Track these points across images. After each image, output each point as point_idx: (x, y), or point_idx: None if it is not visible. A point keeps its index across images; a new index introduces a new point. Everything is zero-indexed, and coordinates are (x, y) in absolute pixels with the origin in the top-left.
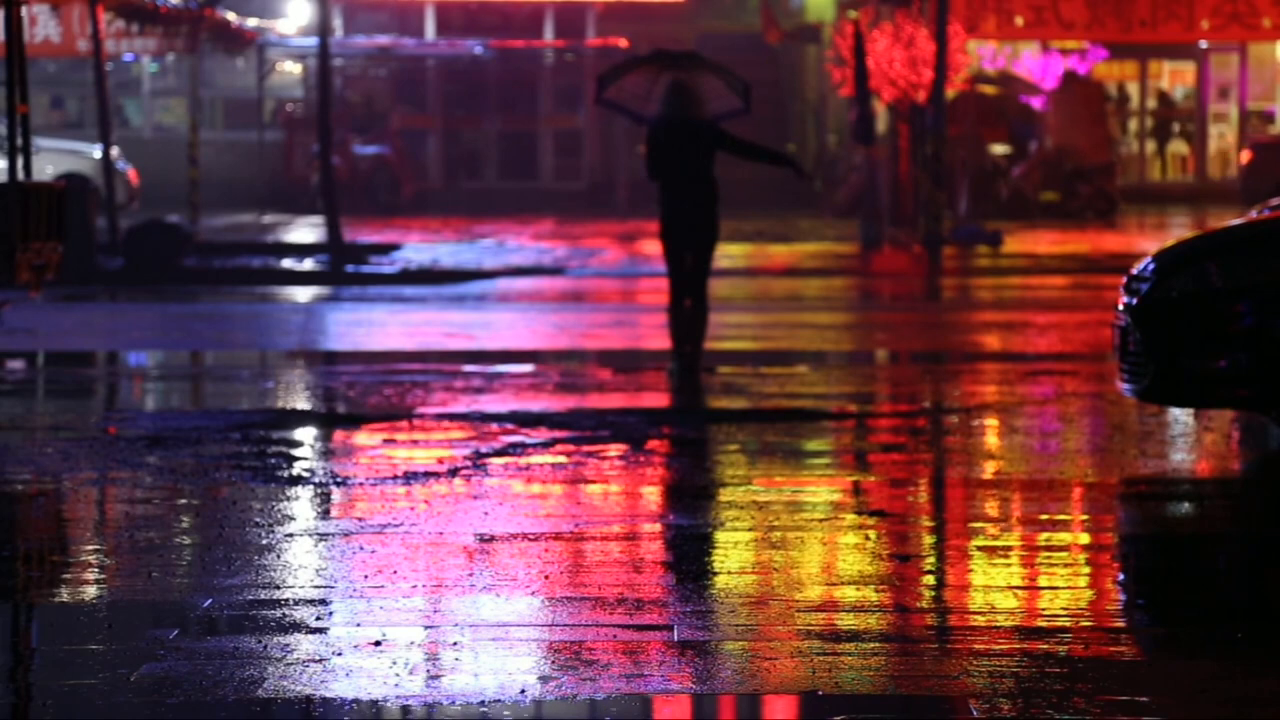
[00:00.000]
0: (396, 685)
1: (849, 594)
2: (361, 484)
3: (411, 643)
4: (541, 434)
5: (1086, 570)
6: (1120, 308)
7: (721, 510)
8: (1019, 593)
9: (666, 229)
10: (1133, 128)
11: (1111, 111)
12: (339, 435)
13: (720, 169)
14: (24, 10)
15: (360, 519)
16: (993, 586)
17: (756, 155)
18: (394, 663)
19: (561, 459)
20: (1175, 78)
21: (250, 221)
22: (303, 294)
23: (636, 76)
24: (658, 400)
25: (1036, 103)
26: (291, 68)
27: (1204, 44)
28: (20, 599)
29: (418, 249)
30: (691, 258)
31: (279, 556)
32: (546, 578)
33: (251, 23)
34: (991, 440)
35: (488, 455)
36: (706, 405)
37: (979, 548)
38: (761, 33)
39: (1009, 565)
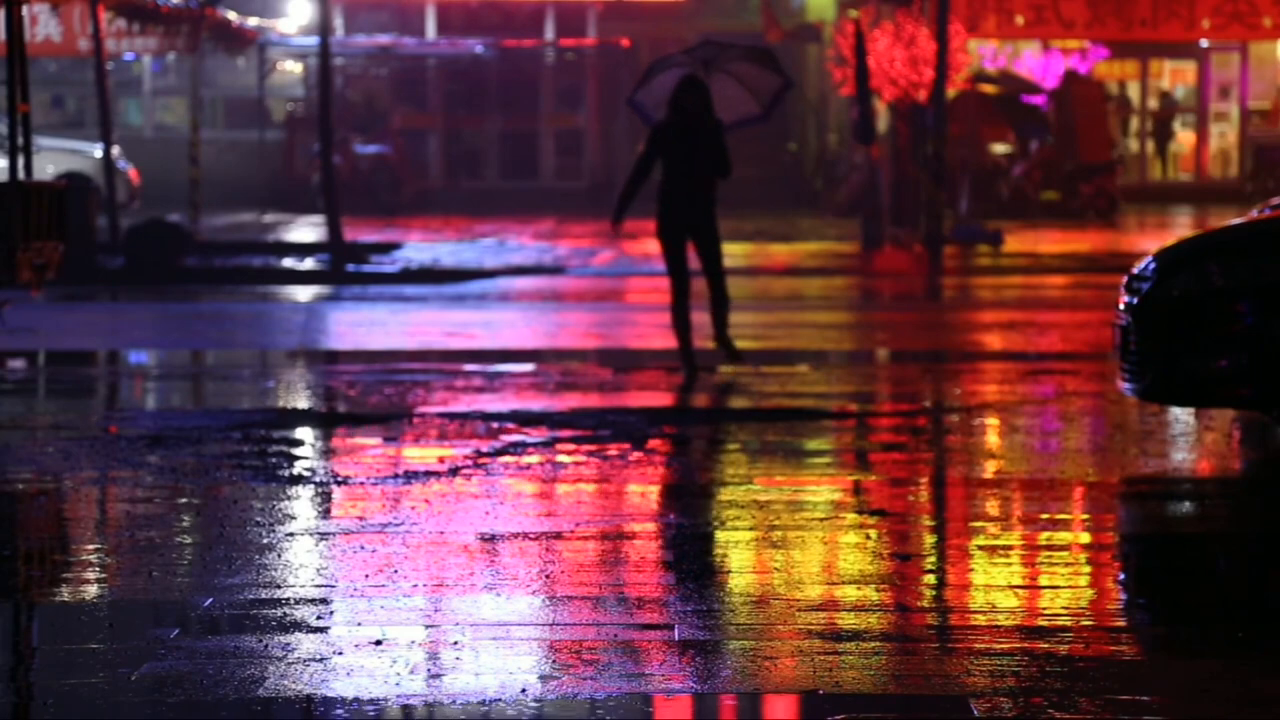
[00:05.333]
0: (397, 684)
1: (850, 593)
2: (362, 483)
3: (412, 642)
4: (542, 433)
5: (1087, 570)
6: (1121, 307)
7: (722, 509)
8: (1020, 592)
9: (665, 225)
10: (1134, 127)
11: (1112, 111)
12: (340, 434)
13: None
14: (25, 9)
15: (361, 518)
16: (993, 586)
17: (720, 170)
18: (395, 662)
19: (562, 458)
20: (1176, 77)
21: (251, 221)
22: (303, 293)
23: (665, 72)
24: (658, 400)
25: (1039, 102)
26: (292, 67)
27: (1205, 43)
28: (21, 598)
29: (418, 248)
30: (701, 254)
31: (280, 556)
32: (547, 577)
33: (252, 22)
34: (992, 439)
35: (488, 454)
36: (705, 404)
37: (980, 547)
38: (762, 32)
39: (1010, 564)
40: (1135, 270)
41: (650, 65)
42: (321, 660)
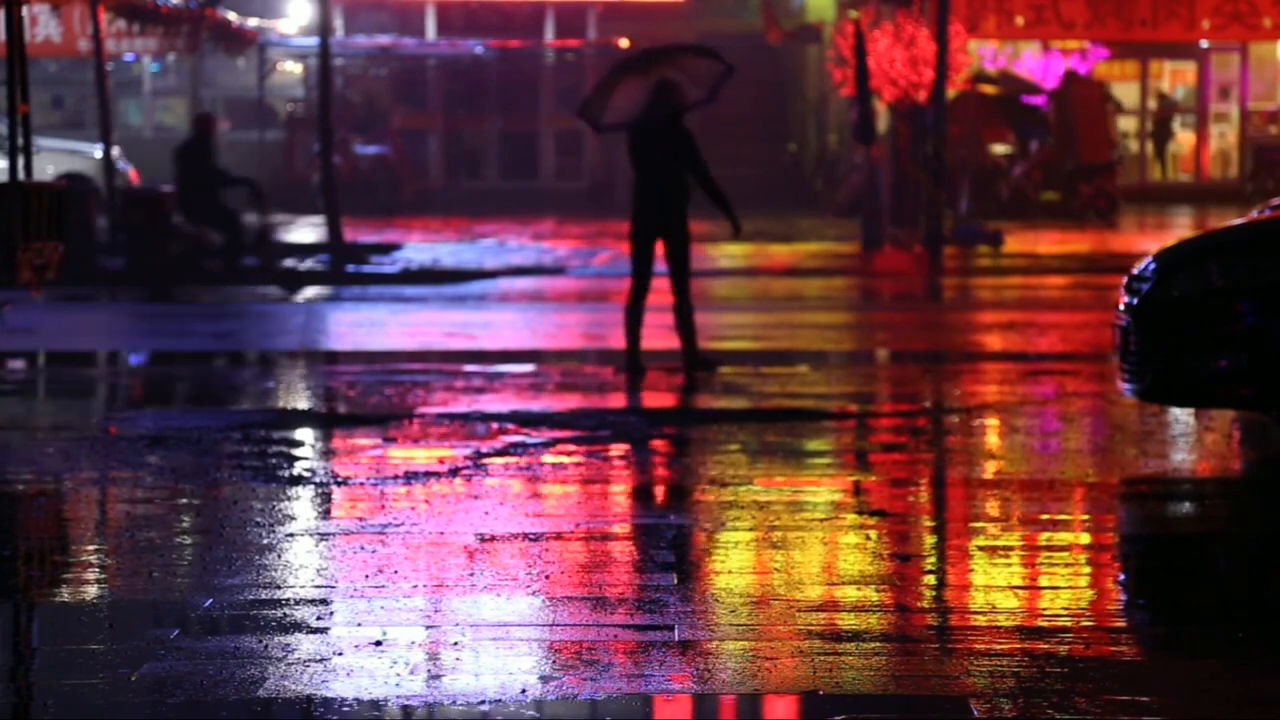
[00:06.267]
0: (397, 685)
1: (850, 594)
2: (362, 484)
3: (412, 642)
4: (542, 434)
5: (1087, 570)
6: (1121, 307)
7: (722, 510)
8: (1020, 592)
9: (638, 224)
10: (1133, 127)
11: (1112, 111)
12: (339, 435)
13: (721, 168)
14: (25, 10)
15: (361, 519)
16: (993, 586)
17: (708, 186)
18: (395, 663)
19: (562, 459)
20: (1176, 77)
21: (251, 221)
22: (303, 294)
23: (605, 84)
24: (658, 400)
25: (1039, 102)
26: (292, 67)
27: (1205, 44)
28: (21, 599)
29: (418, 249)
30: (670, 256)
31: (280, 556)
32: (547, 578)
33: (252, 23)
34: (992, 440)
35: (488, 455)
36: (700, 404)
37: (980, 547)
38: (762, 32)
39: (1010, 565)
40: (1135, 271)
41: (599, 84)
42: (321, 661)
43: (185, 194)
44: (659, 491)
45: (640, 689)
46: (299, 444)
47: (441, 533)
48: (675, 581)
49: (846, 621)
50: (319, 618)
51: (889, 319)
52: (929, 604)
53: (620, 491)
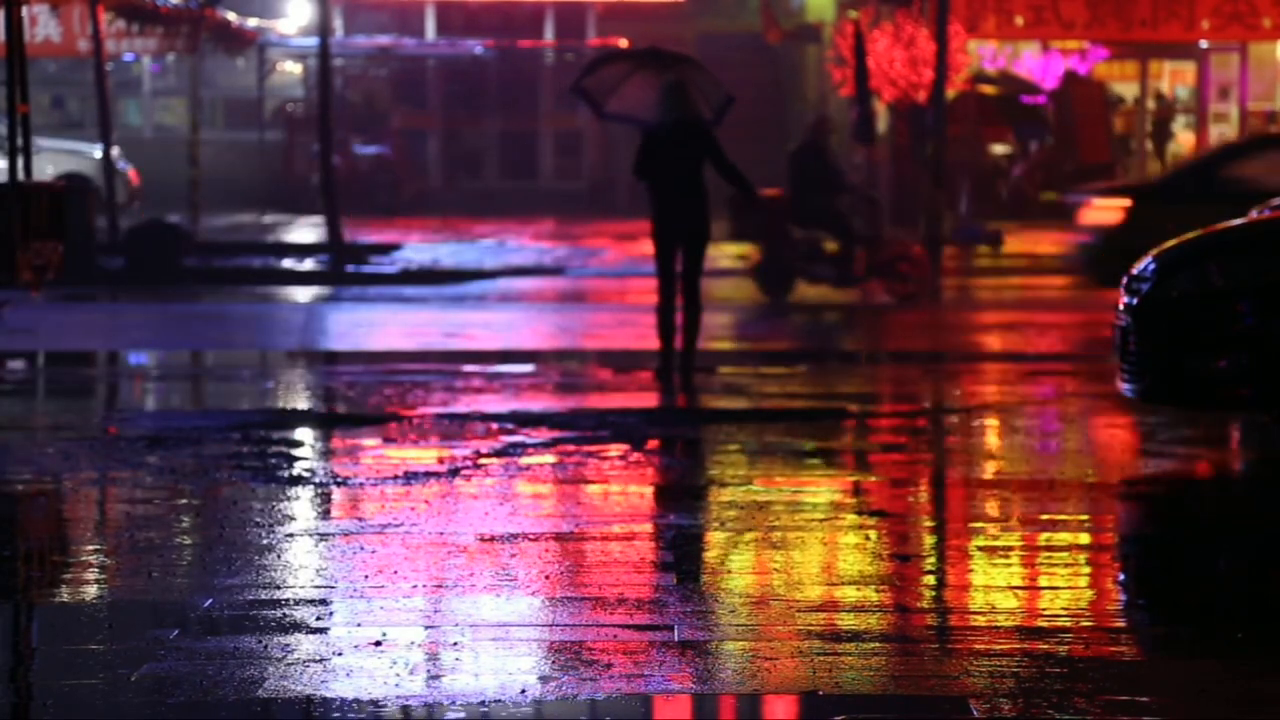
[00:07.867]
0: (397, 685)
1: (849, 594)
2: (362, 484)
3: (412, 643)
4: (542, 434)
5: (1087, 570)
6: (1120, 308)
7: (721, 510)
8: (1019, 593)
9: (659, 228)
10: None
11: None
12: (339, 435)
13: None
14: (24, 10)
15: (361, 519)
16: (993, 586)
17: (731, 176)
18: (394, 663)
19: (562, 459)
20: (1176, 77)
21: (251, 221)
22: (303, 294)
23: (615, 69)
24: (658, 400)
25: (1039, 102)
26: (292, 68)
27: (1204, 44)
28: (21, 599)
29: (418, 249)
30: (685, 257)
31: (279, 556)
32: (547, 578)
33: (252, 23)
34: (992, 440)
35: (488, 455)
36: (701, 405)
37: (979, 548)
38: (762, 33)
39: (1009, 565)
40: (1135, 270)
41: (599, 59)
42: (321, 661)
43: (800, 197)
44: (658, 491)
45: (640, 689)
46: (299, 444)
47: (441, 533)
48: (675, 581)
49: (846, 622)
50: (319, 618)
51: (889, 319)
52: (929, 604)
53: (620, 492)
